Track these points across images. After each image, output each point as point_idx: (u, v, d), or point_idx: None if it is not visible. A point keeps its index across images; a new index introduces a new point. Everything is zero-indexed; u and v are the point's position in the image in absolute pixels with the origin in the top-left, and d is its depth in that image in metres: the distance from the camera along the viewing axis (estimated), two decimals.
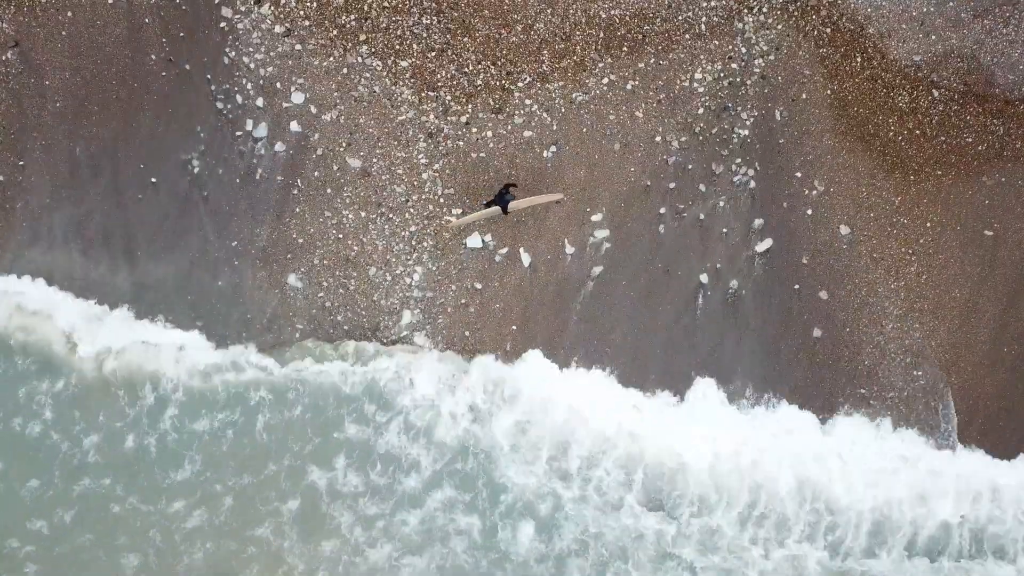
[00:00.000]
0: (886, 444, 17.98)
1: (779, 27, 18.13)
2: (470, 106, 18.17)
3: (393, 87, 18.13)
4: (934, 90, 18.07)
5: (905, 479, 17.84)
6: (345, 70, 18.10)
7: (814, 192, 18.21)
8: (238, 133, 18.09)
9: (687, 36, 18.15)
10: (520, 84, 18.16)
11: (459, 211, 18.14)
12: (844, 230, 18.19)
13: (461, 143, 18.20)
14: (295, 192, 18.07)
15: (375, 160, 18.17)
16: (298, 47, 18.06)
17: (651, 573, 17.66)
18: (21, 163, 17.79)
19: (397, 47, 18.10)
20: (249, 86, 18.06)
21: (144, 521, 17.50)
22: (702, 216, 18.27)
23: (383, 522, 17.74)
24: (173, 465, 17.68)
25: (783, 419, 18.03)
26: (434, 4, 18.03)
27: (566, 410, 17.91)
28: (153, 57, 17.97)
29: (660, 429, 17.90)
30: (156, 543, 17.45)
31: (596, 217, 18.25)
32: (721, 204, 18.27)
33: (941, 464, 17.97)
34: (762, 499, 17.85)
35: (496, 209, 17.81)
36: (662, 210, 18.27)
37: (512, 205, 17.77)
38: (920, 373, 18.17)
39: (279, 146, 18.12)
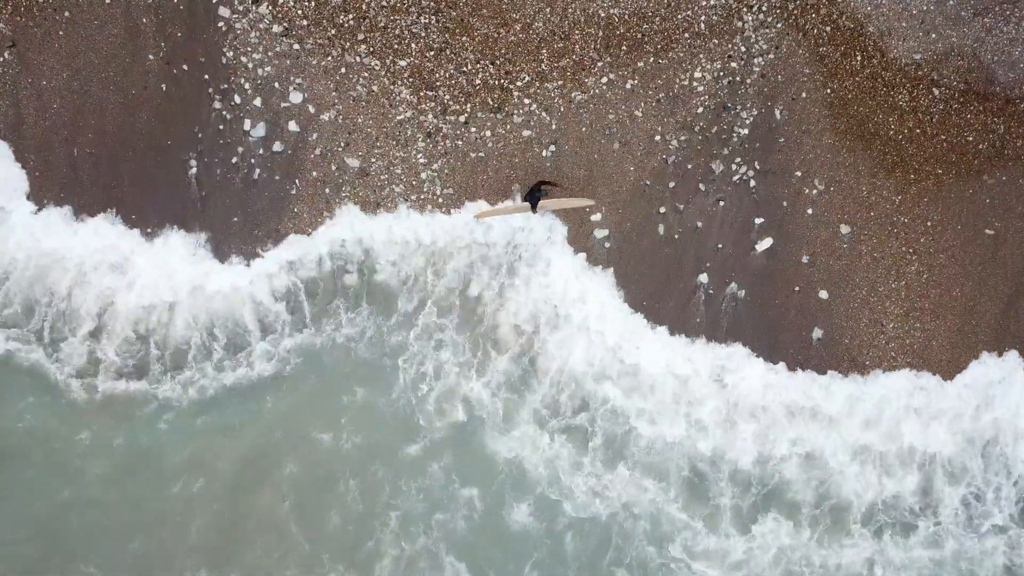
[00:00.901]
0: None
1: (779, 26, 18.08)
2: (469, 105, 18.12)
3: (391, 86, 18.09)
4: (934, 88, 18.01)
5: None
6: (343, 69, 18.06)
7: (814, 191, 18.16)
8: (236, 133, 18.06)
9: (686, 35, 18.09)
10: (519, 83, 18.11)
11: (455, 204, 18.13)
12: (844, 229, 18.15)
13: (460, 143, 18.15)
14: (293, 192, 18.04)
15: (373, 160, 18.13)
16: (296, 46, 18.02)
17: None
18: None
19: (395, 46, 18.05)
20: (247, 86, 18.02)
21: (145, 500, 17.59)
22: (702, 215, 18.23)
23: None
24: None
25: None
26: (432, 3, 17.98)
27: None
28: (151, 57, 17.94)
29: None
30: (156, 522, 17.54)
31: (595, 217, 18.20)
32: (721, 203, 18.22)
33: None
34: (771, 477, 17.84)
35: (526, 205, 17.73)
36: (662, 209, 18.23)
37: (541, 204, 17.68)
38: (921, 373, 18.14)
39: (277, 146, 18.09)
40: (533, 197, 17.62)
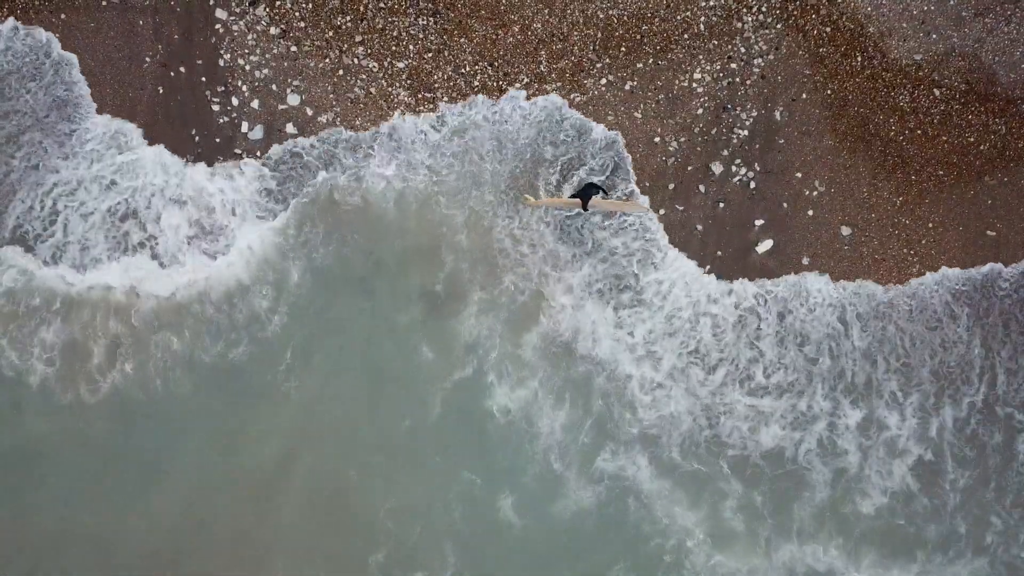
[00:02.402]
0: None
1: (778, 27, 18.01)
2: None
3: (389, 88, 18.04)
4: (935, 89, 17.94)
5: None
6: (341, 72, 18.01)
7: (815, 192, 18.10)
8: (234, 136, 18.01)
9: (686, 36, 18.02)
10: (517, 85, 18.06)
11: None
12: (845, 231, 18.08)
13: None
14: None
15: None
16: (293, 49, 17.96)
17: None
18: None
19: (393, 48, 18.00)
20: (244, 88, 17.97)
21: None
22: (701, 217, 18.17)
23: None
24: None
25: None
26: (430, 4, 17.93)
27: None
28: (147, 60, 17.88)
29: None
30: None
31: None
32: (721, 205, 18.16)
33: None
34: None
35: (577, 201, 17.51)
36: (661, 211, 18.17)
37: (592, 202, 17.48)
38: None
39: (275, 148, 18.04)
40: (586, 192, 17.39)
